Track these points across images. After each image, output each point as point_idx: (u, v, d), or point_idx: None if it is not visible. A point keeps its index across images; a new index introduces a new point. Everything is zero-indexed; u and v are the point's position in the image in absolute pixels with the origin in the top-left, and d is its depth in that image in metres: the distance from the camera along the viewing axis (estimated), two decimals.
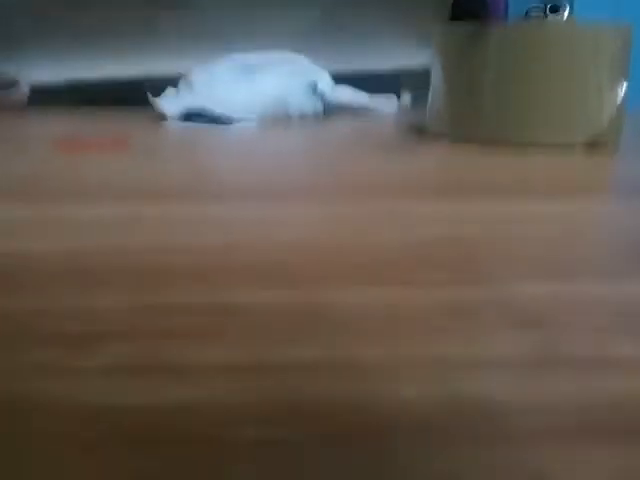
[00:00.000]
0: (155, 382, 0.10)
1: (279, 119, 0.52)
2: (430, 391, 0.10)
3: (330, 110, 0.58)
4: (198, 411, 0.09)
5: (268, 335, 0.12)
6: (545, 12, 0.36)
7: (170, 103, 0.48)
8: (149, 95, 0.48)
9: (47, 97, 0.63)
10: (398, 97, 0.63)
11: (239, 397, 0.10)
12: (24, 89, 0.59)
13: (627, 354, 0.11)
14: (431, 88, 0.41)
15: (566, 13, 0.37)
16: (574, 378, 0.10)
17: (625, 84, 0.36)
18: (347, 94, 0.60)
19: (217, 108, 0.47)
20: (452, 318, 0.13)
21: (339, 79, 0.59)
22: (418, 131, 0.43)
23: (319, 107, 0.55)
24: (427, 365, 0.11)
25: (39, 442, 0.08)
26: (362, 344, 0.11)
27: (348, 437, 0.09)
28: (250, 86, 0.51)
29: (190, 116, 0.48)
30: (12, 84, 0.59)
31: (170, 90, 0.53)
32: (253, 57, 0.53)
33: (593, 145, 0.36)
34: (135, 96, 0.54)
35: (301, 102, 0.53)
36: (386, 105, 0.61)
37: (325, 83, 0.55)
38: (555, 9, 0.37)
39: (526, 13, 0.37)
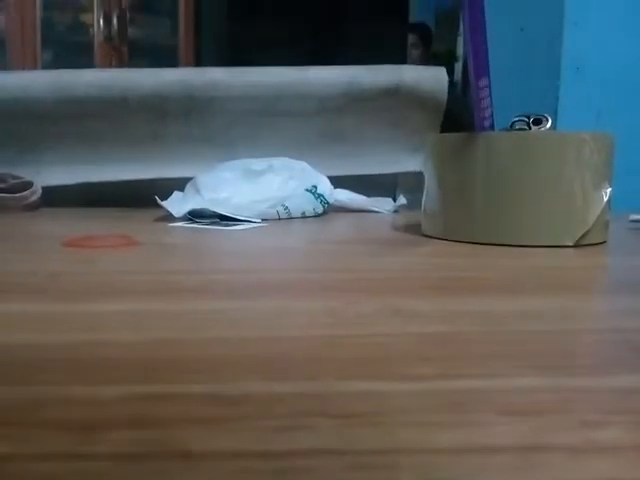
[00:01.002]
0: (160, 469, 0.11)
1: (281, 220, 0.54)
2: (429, 478, 0.10)
3: (329, 211, 0.60)
4: None
5: (271, 424, 0.12)
6: (529, 124, 0.39)
7: (176, 205, 0.50)
8: (156, 197, 0.51)
9: (59, 199, 0.65)
10: (394, 199, 0.66)
11: None
12: (38, 191, 0.62)
13: (615, 441, 0.12)
14: (424, 191, 0.43)
15: (549, 125, 0.39)
16: (567, 464, 0.11)
17: (610, 189, 0.39)
18: (345, 196, 0.63)
19: (222, 210, 0.49)
20: (448, 409, 0.13)
21: (338, 183, 0.62)
22: (413, 231, 0.44)
23: (319, 208, 0.58)
24: (424, 453, 0.11)
25: None
26: (361, 433, 0.12)
27: None
28: (253, 189, 0.53)
29: (196, 217, 0.50)
30: (26, 187, 0.61)
31: (177, 193, 0.55)
32: (256, 162, 0.56)
33: (581, 246, 0.37)
34: (143, 198, 0.57)
35: (302, 204, 0.56)
36: (383, 207, 0.63)
37: (324, 186, 0.58)
38: (538, 121, 0.40)
39: (511, 125, 0.40)
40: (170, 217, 0.50)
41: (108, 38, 2.07)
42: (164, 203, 0.51)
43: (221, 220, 0.49)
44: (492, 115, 0.39)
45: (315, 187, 0.56)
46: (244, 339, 0.18)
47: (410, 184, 0.69)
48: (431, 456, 0.11)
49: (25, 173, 0.64)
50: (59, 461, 0.11)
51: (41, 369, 0.15)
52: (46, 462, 0.11)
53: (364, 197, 0.64)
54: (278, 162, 0.56)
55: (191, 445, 0.11)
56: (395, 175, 0.72)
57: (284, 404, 0.13)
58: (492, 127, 0.39)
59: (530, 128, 0.39)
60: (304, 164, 0.58)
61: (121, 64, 2.05)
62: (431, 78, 0.70)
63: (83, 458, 0.11)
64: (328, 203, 0.58)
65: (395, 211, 0.64)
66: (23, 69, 1.87)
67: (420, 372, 0.15)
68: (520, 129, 0.40)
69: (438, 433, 0.12)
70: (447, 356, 0.17)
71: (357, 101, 0.70)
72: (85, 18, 2.11)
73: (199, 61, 2.08)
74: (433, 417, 0.13)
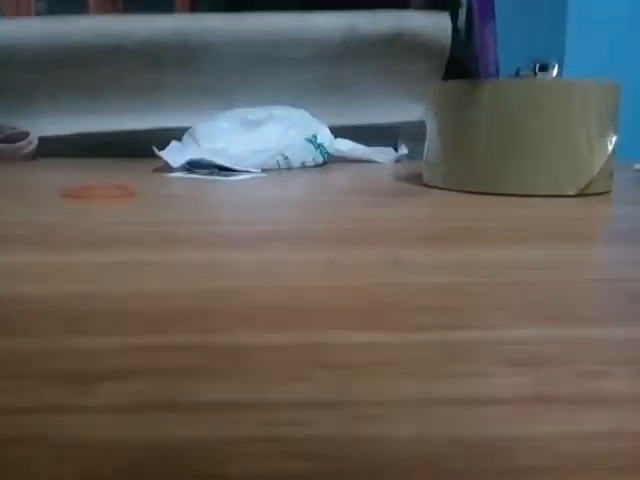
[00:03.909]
0: (157, 420, 0.10)
1: (280, 170, 0.53)
2: (429, 430, 0.10)
3: (329, 161, 0.59)
4: (200, 447, 0.10)
5: (266, 375, 0.12)
6: (534, 71, 0.38)
7: (174, 155, 0.50)
8: (154, 148, 0.50)
9: (56, 149, 0.64)
10: (396, 149, 0.65)
11: (240, 433, 0.10)
12: (34, 142, 0.61)
13: (617, 392, 0.12)
14: (426, 141, 0.42)
15: (555, 72, 0.38)
16: (568, 415, 0.11)
17: (615, 137, 0.38)
18: (346, 146, 0.62)
19: (220, 160, 0.48)
20: (449, 360, 0.13)
21: (338, 133, 0.61)
22: (415, 181, 0.44)
23: (319, 158, 0.57)
24: (424, 404, 0.11)
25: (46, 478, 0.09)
26: (359, 385, 0.12)
27: (347, 475, 0.09)
28: (252, 138, 0.52)
29: (194, 167, 0.49)
30: (23, 137, 0.60)
31: (174, 143, 0.55)
32: (255, 111, 0.55)
33: (585, 195, 0.37)
34: (140, 149, 0.56)
35: (301, 153, 0.55)
36: (384, 156, 0.62)
37: (324, 135, 0.57)
38: (544, 68, 0.39)
39: (516, 72, 0.39)
40: (168, 167, 0.49)
41: None
42: (162, 153, 0.50)
43: (220, 170, 0.48)
44: (497, 62, 0.38)
45: (315, 136, 0.56)
46: (242, 289, 0.18)
47: (412, 133, 0.68)
48: (430, 407, 0.11)
49: (21, 123, 0.63)
50: (56, 413, 0.11)
51: (37, 320, 0.15)
52: (43, 414, 0.11)
53: (365, 147, 0.63)
54: (278, 111, 0.55)
55: (188, 396, 0.11)
56: (397, 124, 0.71)
57: (281, 355, 0.13)
58: (497, 74, 0.38)
59: (536, 74, 0.38)
60: (304, 112, 0.57)
61: (115, 11, 1.99)
62: (434, 24, 0.68)
63: (80, 410, 0.11)
64: (328, 153, 0.58)
65: (396, 161, 0.63)
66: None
67: (420, 323, 0.15)
68: (526, 75, 0.39)
69: (438, 384, 0.12)
70: (447, 307, 0.16)
71: (357, 48, 0.68)
72: None
73: (195, 7, 2.02)
74: (433, 368, 0.13)
